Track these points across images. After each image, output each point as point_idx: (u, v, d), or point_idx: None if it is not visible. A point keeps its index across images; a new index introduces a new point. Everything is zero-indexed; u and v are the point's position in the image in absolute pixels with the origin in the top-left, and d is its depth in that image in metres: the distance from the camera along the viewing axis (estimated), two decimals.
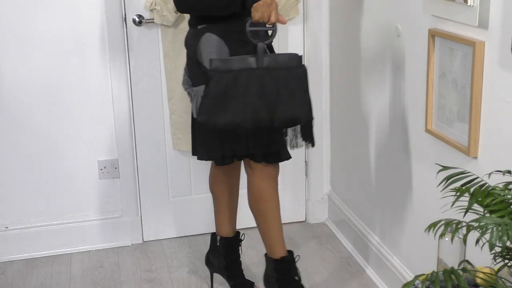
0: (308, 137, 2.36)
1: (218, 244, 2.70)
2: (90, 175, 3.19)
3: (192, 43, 2.40)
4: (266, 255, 2.58)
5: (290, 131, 2.34)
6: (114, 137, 3.16)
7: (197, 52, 2.36)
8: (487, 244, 1.19)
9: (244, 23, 2.23)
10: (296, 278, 2.54)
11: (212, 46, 2.32)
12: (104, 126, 3.14)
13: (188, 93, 2.45)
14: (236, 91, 2.18)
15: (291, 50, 3.25)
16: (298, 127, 2.34)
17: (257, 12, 2.16)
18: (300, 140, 2.37)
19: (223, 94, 2.18)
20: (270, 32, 2.27)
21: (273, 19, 2.17)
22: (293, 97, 2.22)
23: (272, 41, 2.29)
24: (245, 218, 2.96)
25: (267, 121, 2.20)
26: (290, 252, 2.57)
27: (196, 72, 2.38)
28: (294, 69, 2.24)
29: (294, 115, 2.25)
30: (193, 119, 2.48)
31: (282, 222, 3.41)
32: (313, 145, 2.39)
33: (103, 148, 3.17)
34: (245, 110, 2.18)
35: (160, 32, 3.05)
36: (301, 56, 2.29)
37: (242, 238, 2.76)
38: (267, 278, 2.58)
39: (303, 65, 2.29)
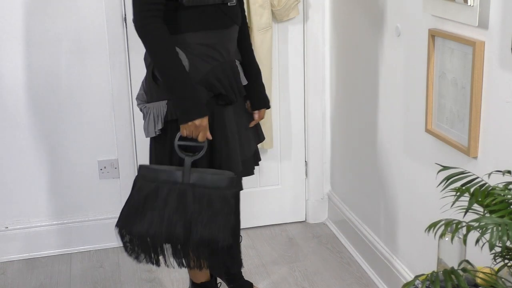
0: (231, 263, 2.31)
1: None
2: (90, 175, 3.19)
3: None
4: None
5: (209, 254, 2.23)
6: (114, 137, 3.16)
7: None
8: (487, 244, 1.19)
9: (210, 37, 2.20)
10: None
11: None
12: (104, 126, 3.14)
13: (140, 110, 2.31)
14: (155, 202, 2.15)
15: (291, 50, 3.26)
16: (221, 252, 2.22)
17: (185, 130, 2.16)
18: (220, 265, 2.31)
19: (142, 203, 2.15)
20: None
21: (200, 139, 2.17)
22: (214, 219, 2.14)
23: (199, 157, 2.20)
24: (243, 219, 2.95)
25: (182, 239, 2.14)
26: None
27: (151, 87, 2.26)
28: (222, 190, 2.16)
29: (211, 238, 2.14)
30: (151, 148, 2.33)
31: (283, 222, 3.45)
32: (238, 268, 2.33)
33: (103, 148, 3.17)
34: (161, 224, 2.13)
35: None
36: (234, 177, 2.20)
37: (240, 240, 2.75)
38: None
39: (235, 186, 2.20)
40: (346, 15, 3.04)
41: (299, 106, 3.34)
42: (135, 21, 2.18)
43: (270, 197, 3.42)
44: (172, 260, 2.24)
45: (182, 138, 2.19)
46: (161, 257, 2.24)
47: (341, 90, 3.19)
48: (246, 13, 3.00)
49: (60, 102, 3.06)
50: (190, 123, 2.14)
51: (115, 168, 3.20)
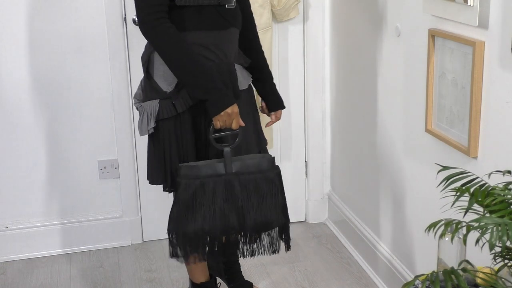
0: (286, 241, 2.32)
1: (216, 249, 2.68)
2: (90, 175, 3.19)
3: (145, 53, 2.31)
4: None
5: (265, 236, 2.30)
6: (114, 137, 3.16)
7: (150, 62, 2.27)
8: (487, 244, 1.19)
9: (205, 37, 2.19)
10: None
11: None
12: (104, 126, 3.14)
13: (137, 108, 2.33)
14: (204, 198, 2.17)
15: (291, 50, 3.26)
16: (275, 232, 2.29)
17: (219, 121, 2.16)
18: (277, 245, 2.31)
19: (191, 202, 2.17)
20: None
21: (234, 126, 2.18)
22: (264, 201, 2.21)
23: (237, 144, 2.23)
24: None
25: (238, 227, 2.20)
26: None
27: (146, 86, 2.29)
28: (264, 172, 2.22)
29: (266, 221, 2.22)
30: (149, 147, 2.35)
31: None
32: (288, 248, 2.33)
33: (103, 148, 3.17)
34: (215, 217, 2.17)
35: None
36: (273, 158, 2.26)
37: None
38: None
39: (276, 167, 2.26)
40: (346, 15, 3.04)
41: (299, 106, 3.34)
42: (142, 23, 2.15)
43: None
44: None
45: (215, 132, 2.19)
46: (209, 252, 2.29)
47: (341, 90, 3.19)
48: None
49: (60, 102, 3.06)
50: (222, 113, 2.14)
51: (115, 168, 3.20)
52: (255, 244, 2.28)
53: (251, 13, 2.45)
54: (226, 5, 2.22)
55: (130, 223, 3.27)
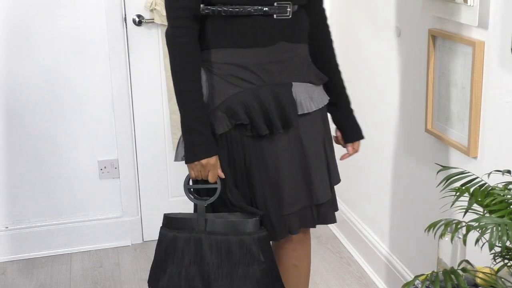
0: None
1: None
2: (90, 175, 3.19)
3: None
4: None
5: None
6: (114, 137, 3.16)
7: None
8: (487, 244, 1.19)
9: (242, 55, 1.83)
10: None
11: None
12: (104, 126, 3.14)
13: None
14: (173, 254, 1.88)
15: None
16: None
17: (193, 171, 1.86)
18: None
19: (164, 256, 1.90)
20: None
21: (211, 179, 1.85)
22: (235, 270, 1.85)
23: (213, 200, 1.88)
24: None
25: None
26: None
27: None
28: (241, 235, 1.84)
29: None
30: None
31: None
32: None
33: (103, 148, 3.17)
34: (179, 278, 1.87)
35: (160, 32, 3.05)
36: (258, 219, 1.87)
37: None
38: None
39: (258, 231, 1.85)
40: (346, 15, 3.04)
41: None
42: (167, 28, 1.86)
43: None
44: None
45: (189, 180, 1.92)
46: None
47: None
48: None
49: (60, 102, 3.06)
50: (196, 162, 1.83)
51: (115, 168, 3.20)
52: None
53: (323, 16, 2.03)
54: (275, 15, 1.81)
55: (130, 223, 3.27)
